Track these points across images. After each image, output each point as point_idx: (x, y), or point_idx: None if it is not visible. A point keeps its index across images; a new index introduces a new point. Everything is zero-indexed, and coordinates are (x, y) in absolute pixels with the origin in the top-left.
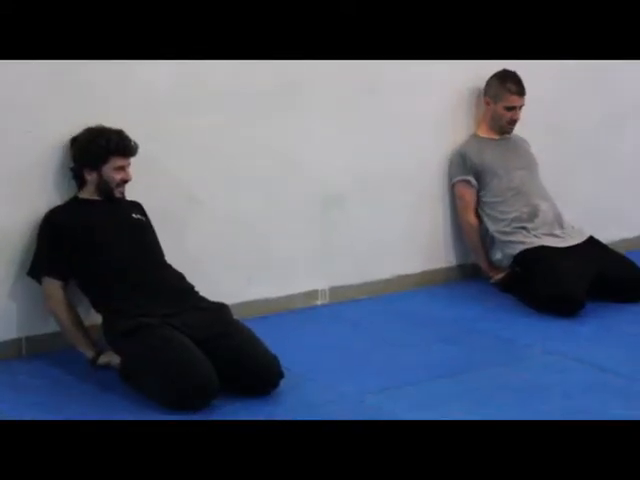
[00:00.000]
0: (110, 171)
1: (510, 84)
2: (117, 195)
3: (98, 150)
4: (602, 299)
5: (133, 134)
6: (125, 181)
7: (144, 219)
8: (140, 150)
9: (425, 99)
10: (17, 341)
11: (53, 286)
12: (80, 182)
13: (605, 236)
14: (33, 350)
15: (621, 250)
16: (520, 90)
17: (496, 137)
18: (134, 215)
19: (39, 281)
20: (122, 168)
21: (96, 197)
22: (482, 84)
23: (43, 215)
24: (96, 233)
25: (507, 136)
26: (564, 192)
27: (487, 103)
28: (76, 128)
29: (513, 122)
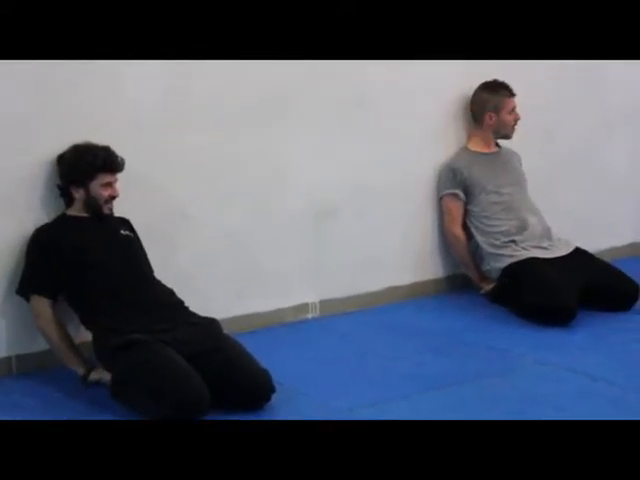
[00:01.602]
0: (97, 188)
1: (502, 90)
2: (105, 211)
3: (85, 167)
4: (590, 308)
5: (121, 150)
6: (113, 197)
7: (132, 235)
8: (128, 166)
9: (416, 111)
10: (7, 359)
11: (42, 304)
12: (68, 199)
13: (594, 244)
14: (23, 368)
15: (609, 258)
16: (512, 90)
17: (487, 151)
18: (122, 231)
19: (27, 299)
20: (109, 184)
21: (84, 214)
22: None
23: (31, 233)
24: (85, 250)
25: (498, 149)
26: (553, 200)
27: (490, 118)
28: (64, 145)
29: (516, 122)
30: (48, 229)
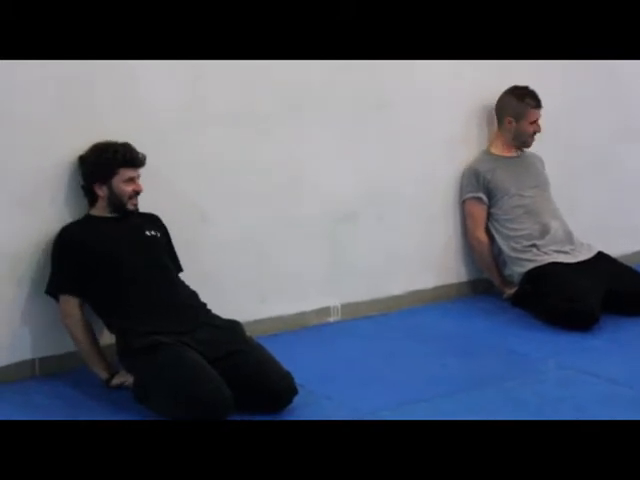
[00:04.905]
0: (120, 183)
1: (529, 99)
2: (130, 207)
3: (107, 163)
4: (613, 313)
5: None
6: (137, 192)
7: (159, 235)
8: (147, 169)
9: (436, 115)
10: (30, 362)
11: (70, 304)
12: (91, 199)
13: (617, 249)
14: (46, 371)
15: (632, 263)
16: (539, 103)
17: (509, 154)
18: (148, 232)
19: (57, 299)
20: (132, 180)
21: (108, 214)
22: (494, 99)
23: (53, 235)
24: (108, 252)
25: (520, 153)
26: (575, 204)
27: (509, 123)
28: (83, 146)
29: (535, 134)
30: (73, 229)
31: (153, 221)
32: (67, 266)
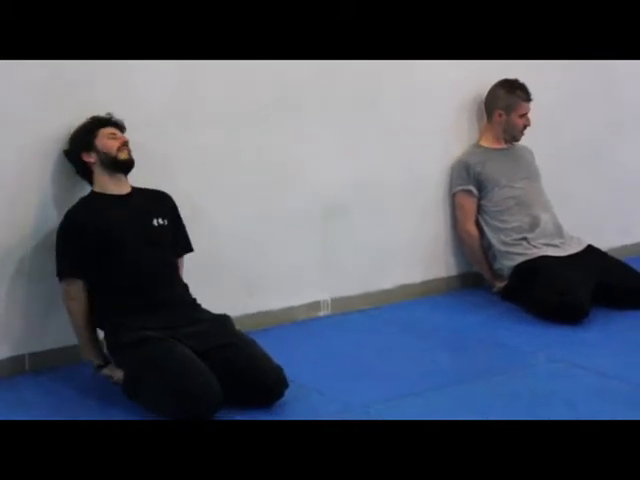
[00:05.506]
0: (104, 140)
1: (520, 92)
2: (122, 157)
3: (86, 130)
4: (602, 306)
5: (133, 151)
6: (124, 143)
7: (166, 222)
8: (140, 165)
9: (427, 109)
10: (20, 357)
11: (76, 287)
12: (89, 177)
13: (606, 242)
14: (36, 366)
15: (622, 257)
16: (529, 96)
17: (499, 147)
18: (155, 221)
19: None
20: (114, 135)
21: (111, 191)
22: (484, 93)
23: (42, 228)
24: (114, 241)
25: (511, 145)
26: (565, 198)
27: (499, 115)
28: None
29: (525, 128)
30: (78, 212)
31: (162, 201)
32: (71, 249)
